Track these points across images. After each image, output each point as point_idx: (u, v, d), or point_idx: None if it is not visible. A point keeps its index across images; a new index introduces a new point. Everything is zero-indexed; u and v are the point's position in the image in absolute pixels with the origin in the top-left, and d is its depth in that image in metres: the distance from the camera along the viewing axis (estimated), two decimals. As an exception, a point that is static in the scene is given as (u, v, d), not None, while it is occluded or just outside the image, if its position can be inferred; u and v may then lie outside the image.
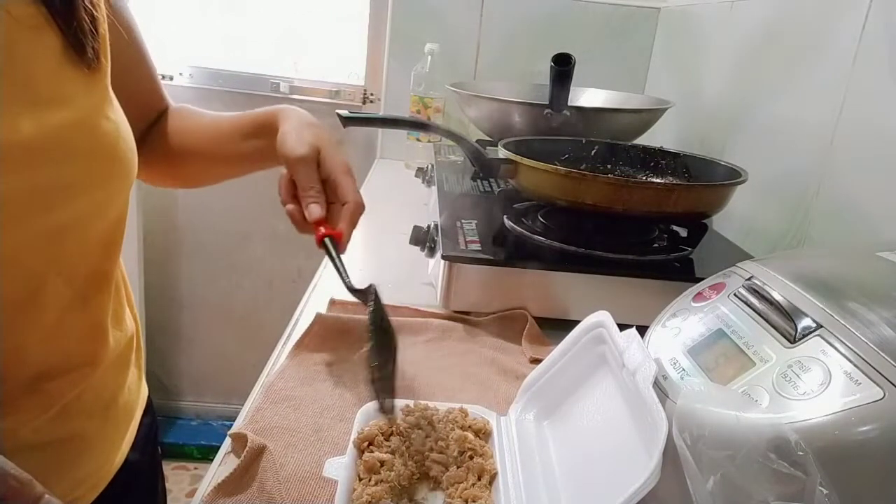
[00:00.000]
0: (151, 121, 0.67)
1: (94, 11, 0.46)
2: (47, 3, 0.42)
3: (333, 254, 0.57)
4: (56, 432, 0.49)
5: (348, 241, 0.58)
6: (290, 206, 0.58)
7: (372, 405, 0.51)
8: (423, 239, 0.79)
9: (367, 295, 0.55)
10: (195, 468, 1.97)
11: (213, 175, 0.71)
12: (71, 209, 0.44)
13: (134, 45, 0.60)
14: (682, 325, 0.46)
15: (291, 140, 0.58)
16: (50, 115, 0.42)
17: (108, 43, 0.48)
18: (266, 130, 0.63)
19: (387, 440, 0.47)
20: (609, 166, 0.97)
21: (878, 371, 0.33)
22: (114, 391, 0.55)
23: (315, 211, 0.57)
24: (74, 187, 0.44)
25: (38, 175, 0.41)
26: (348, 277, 0.57)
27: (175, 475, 1.94)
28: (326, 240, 0.57)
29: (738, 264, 0.49)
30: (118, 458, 0.56)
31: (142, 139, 0.64)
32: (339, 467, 0.44)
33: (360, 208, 0.59)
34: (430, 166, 1.18)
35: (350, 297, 0.56)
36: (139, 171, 0.53)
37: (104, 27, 0.48)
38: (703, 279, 0.51)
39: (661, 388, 0.41)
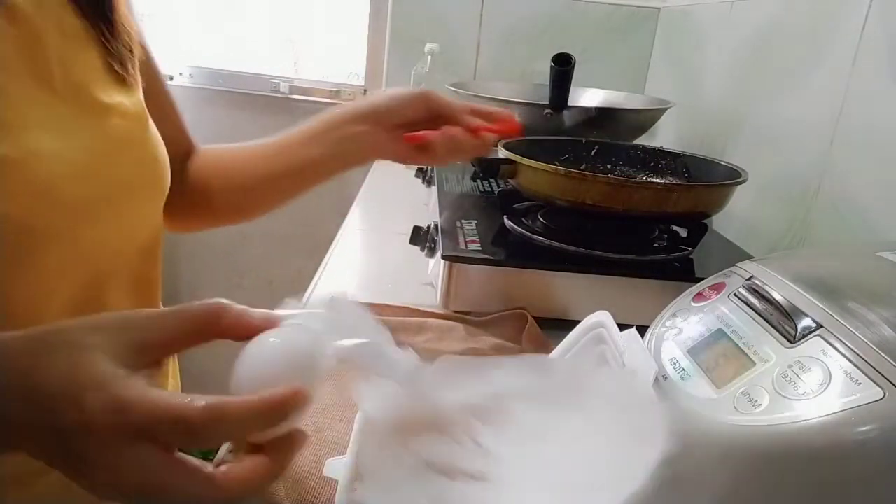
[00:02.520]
0: (182, 161, 0.65)
1: (129, 30, 0.48)
2: (89, 17, 0.44)
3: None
4: None
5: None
6: (450, 129, 0.62)
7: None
8: (423, 239, 0.79)
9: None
10: (195, 468, 1.97)
11: (273, 198, 0.67)
12: (135, 211, 0.48)
13: (164, 89, 0.61)
14: (682, 325, 0.46)
15: (387, 93, 0.64)
16: (107, 122, 0.44)
17: (137, 65, 0.50)
18: (336, 124, 0.65)
19: None
20: (609, 166, 0.97)
21: (878, 371, 0.33)
22: None
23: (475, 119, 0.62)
24: (135, 191, 0.47)
25: (104, 182, 0.44)
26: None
27: (175, 475, 1.93)
28: None
29: (738, 264, 0.49)
30: None
31: (177, 180, 0.61)
32: (339, 467, 0.44)
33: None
34: (430, 166, 1.18)
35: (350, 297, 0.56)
36: (171, 223, 0.57)
37: (138, 50, 0.50)
38: (703, 279, 0.51)
39: (661, 388, 0.41)
